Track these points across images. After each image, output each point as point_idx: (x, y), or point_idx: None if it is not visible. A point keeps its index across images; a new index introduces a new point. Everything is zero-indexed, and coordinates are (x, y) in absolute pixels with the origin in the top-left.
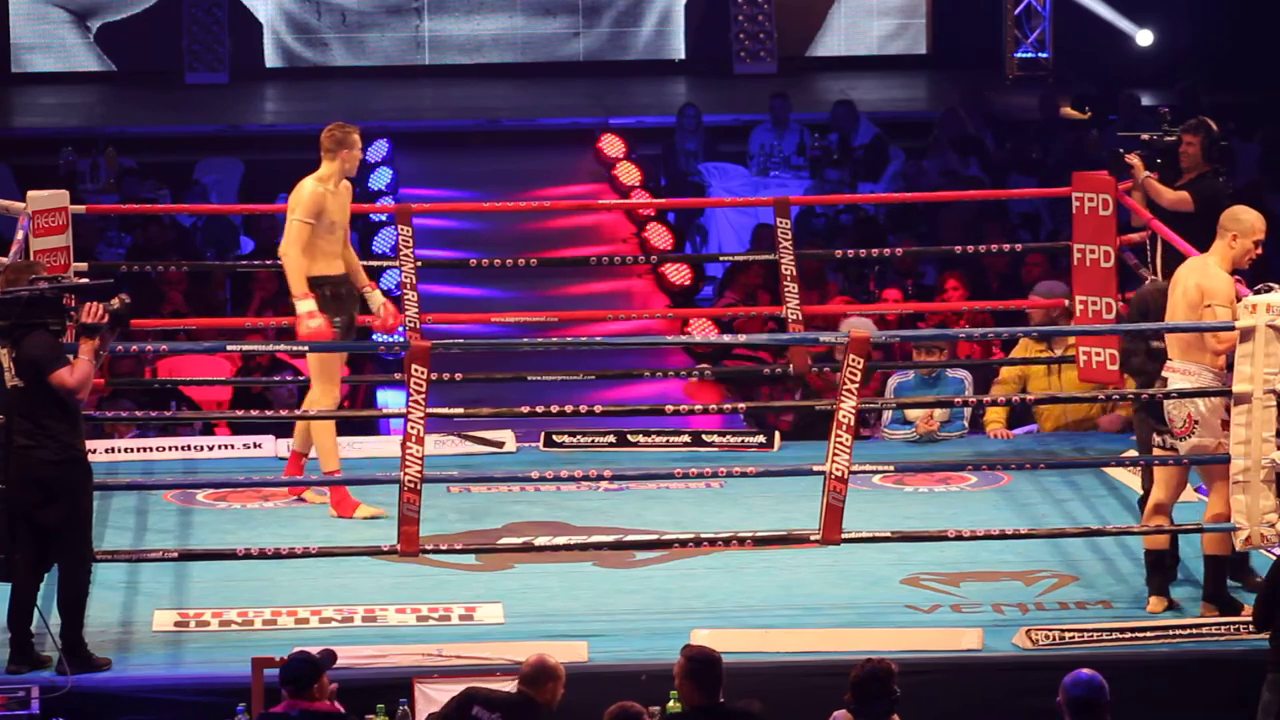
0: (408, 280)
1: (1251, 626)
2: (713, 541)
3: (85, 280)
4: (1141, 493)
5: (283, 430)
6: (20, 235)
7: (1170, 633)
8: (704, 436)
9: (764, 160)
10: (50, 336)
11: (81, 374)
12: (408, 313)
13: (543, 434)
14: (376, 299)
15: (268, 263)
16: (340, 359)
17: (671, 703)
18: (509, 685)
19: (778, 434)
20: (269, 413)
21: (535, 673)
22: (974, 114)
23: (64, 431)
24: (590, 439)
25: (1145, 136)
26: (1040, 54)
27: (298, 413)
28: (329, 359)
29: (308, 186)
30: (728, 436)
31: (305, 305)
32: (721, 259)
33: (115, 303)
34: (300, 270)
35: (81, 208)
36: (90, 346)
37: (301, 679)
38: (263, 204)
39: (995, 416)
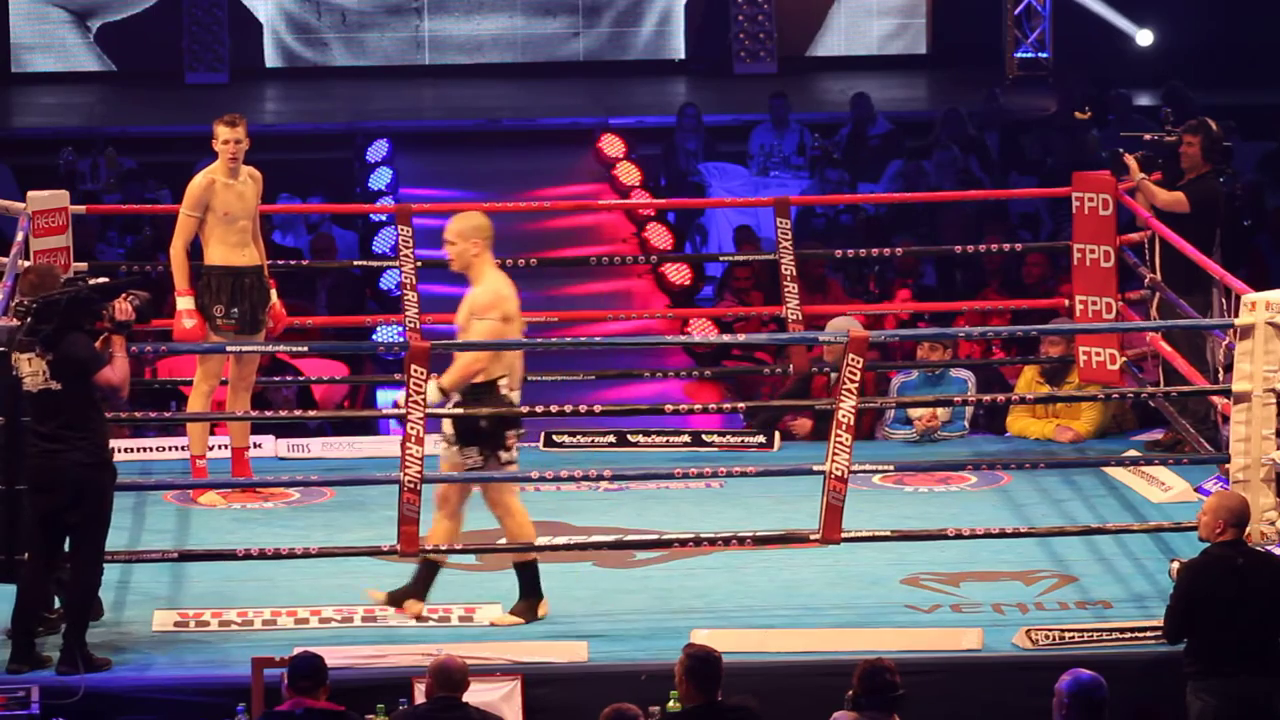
0: (408, 280)
1: (1163, 637)
2: (713, 541)
3: (104, 280)
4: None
5: (282, 430)
6: (20, 235)
7: None
8: (704, 436)
9: (764, 160)
10: (88, 337)
11: (123, 372)
12: (408, 313)
13: (543, 434)
14: (270, 297)
15: (275, 263)
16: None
17: (671, 703)
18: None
19: (778, 434)
20: (269, 413)
21: (454, 677)
22: (988, 114)
23: (96, 433)
24: (590, 439)
25: (1147, 137)
26: (1040, 54)
27: (298, 413)
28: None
29: (194, 179)
30: (728, 436)
31: (182, 303)
32: (721, 259)
33: (135, 299)
34: (179, 265)
35: (81, 208)
36: (123, 344)
37: (314, 676)
38: (263, 204)
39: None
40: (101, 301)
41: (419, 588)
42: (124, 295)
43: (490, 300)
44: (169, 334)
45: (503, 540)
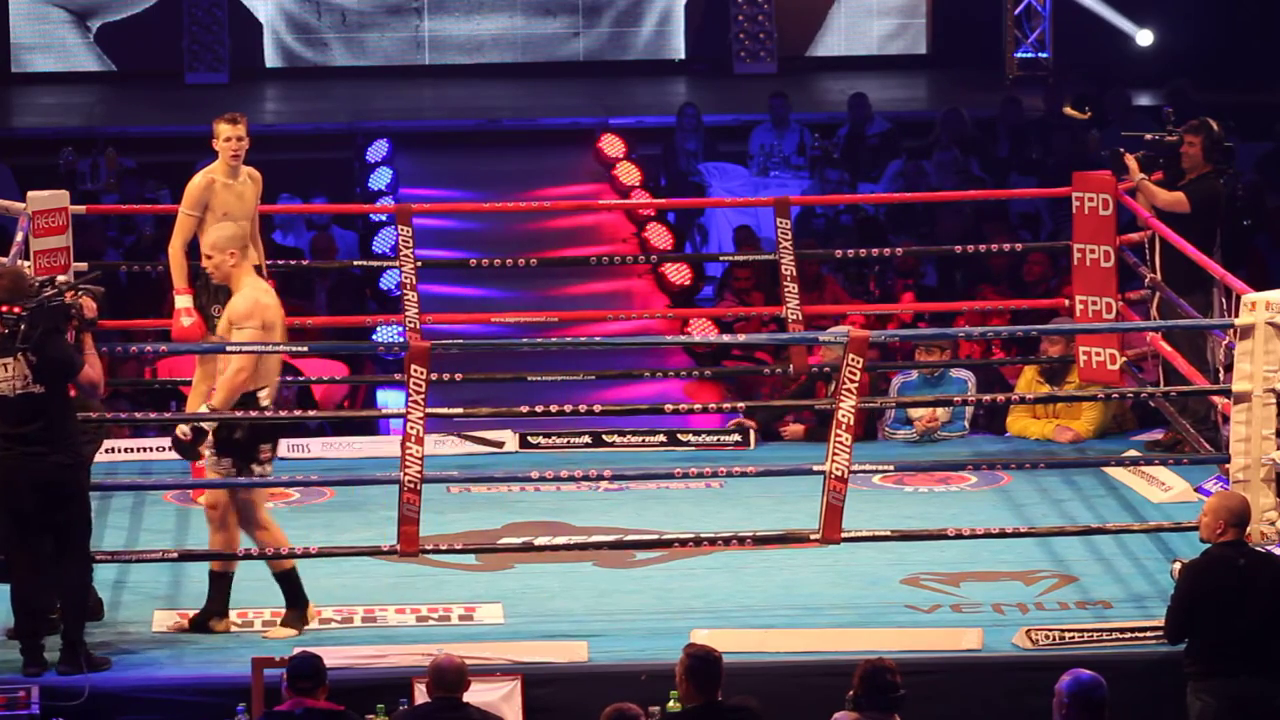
0: (408, 280)
1: (1164, 637)
2: (713, 541)
3: (64, 278)
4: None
5: (283, 430)
6: (20, 235)
7: None
8: (679, 435)
9: (764, 160)
10: (65, 338)
11: (99, 369)
12: (408, 313)
13: (518, 435)
14: None
15: (275, 263)
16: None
17: (671, 703)
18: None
19: (753, 432)
20: (269, 413)
21: (454, 677)
22: (1005, 115)
23: (73, 434)
24: (566, 439)
25: (1148, 136)
26: (1040, 54)
27: (297, 413)
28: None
29: (194, 179)
30: (703, 435)
31: (180, 301)
32: (721, 259)
33: (90, 294)
34: (178, 264)
35: (81, 208)
36: (92, 341)
37: (314, 676)
38: (263, 204)
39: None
40: (71, 301)
41: (220, 602)
42: (73, 292)
43: (248, 309)
44: (168, 334)
45: (502, 540)
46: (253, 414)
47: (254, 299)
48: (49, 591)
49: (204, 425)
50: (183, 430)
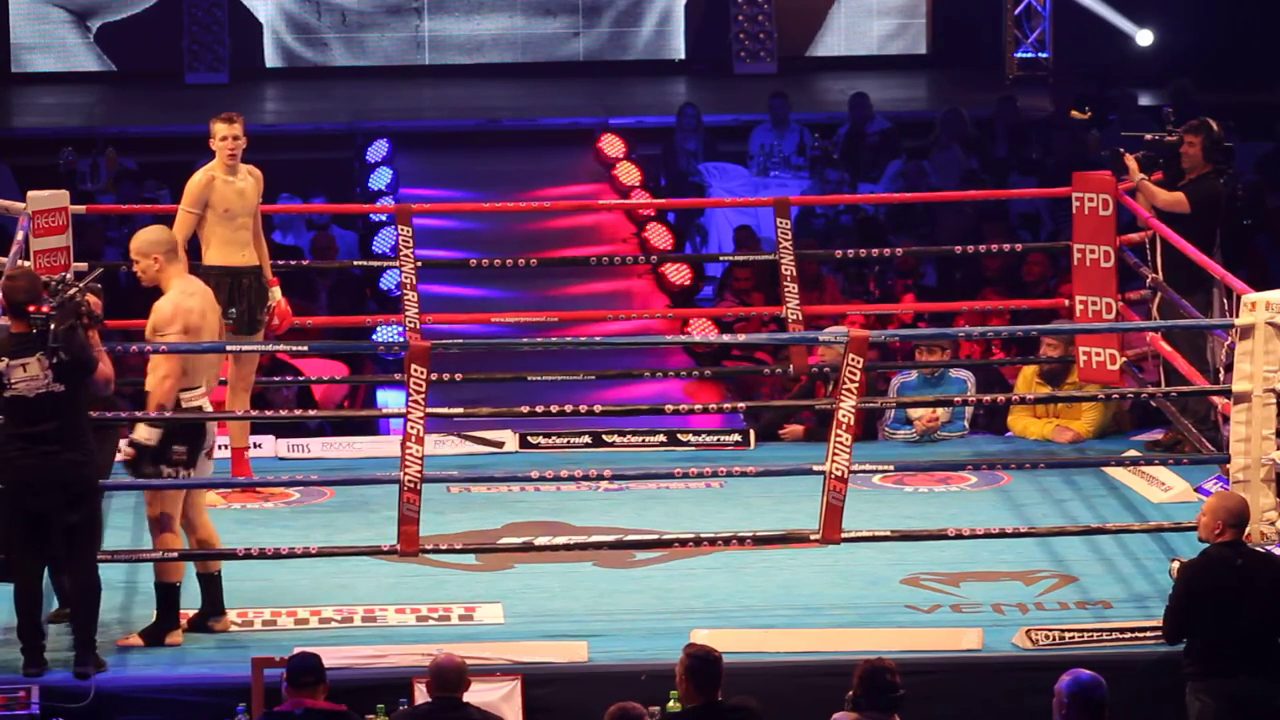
0: (408, 280)
1: (1162, 637)
2: (713, 541)
3: (70, 276)
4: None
5: (282, 430)
6: (20, 235)
7: None
8: (679, 435)
9: (764, 160)
10: (80, 336)
11: (110, 365)
12: (408, 313)
13: (518, 435)
14: (274, 295)
15: (275, 263)
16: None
17: (671, 703)
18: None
19: (753, 433)
20: (269, 413)
21: (454, 677)
22: (1003, 114)
23: (89, 432)
24: (566, 439)
25: (1148, 137)
26: (1040, 54)
27: (298, 413)
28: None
29: (194, 176)
30: (704, 435)
31: None
32: (721, 259)
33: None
34: None
35: (81, 208)
36: (98, 337)
37: (315, 675)
38: (263, 204)
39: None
40: (80, 299)
41: (214, 603)
42: (71, 291)
43: (170, 314)
44: None
45: (502, 540)
46: (255, 414)
47: (175, 303)
48: (57, 591)
49: (148, 441)
50: (125, 451)
